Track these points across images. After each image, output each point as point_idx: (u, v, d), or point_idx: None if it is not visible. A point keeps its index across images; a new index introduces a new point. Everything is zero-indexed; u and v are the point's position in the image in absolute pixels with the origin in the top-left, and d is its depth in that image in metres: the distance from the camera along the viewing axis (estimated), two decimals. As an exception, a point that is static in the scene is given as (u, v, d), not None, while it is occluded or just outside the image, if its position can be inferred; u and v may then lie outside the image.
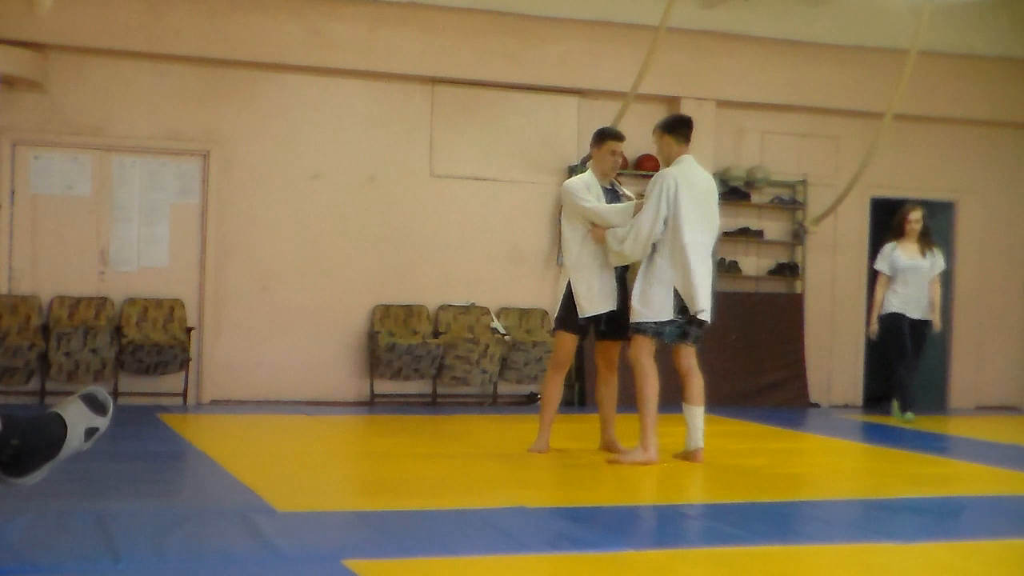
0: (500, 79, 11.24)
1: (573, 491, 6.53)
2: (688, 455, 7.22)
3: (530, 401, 11.14)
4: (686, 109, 11.71)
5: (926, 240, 10.57)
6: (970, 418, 11.73)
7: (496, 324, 10.98)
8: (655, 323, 7.11)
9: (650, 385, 7.12)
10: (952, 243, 12.67)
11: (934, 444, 9.25)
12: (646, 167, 11.61)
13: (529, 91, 11.31)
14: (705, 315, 7.13)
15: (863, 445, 9.59)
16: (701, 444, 7.25)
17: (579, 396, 11.14)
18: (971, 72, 12.28)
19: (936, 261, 10.57)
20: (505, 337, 10.87)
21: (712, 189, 7.36)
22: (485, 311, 11.18)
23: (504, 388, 11.21)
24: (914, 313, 10.45)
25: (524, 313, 11.18)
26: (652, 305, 7.10)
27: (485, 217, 11.27)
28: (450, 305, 11.18)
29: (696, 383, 7.27)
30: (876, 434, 10.18)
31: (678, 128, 7.31)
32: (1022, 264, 12.91)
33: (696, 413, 7.25)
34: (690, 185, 7.15)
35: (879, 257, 10.65)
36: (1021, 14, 12.13)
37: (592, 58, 11.30)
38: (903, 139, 12.03)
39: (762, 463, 7.66)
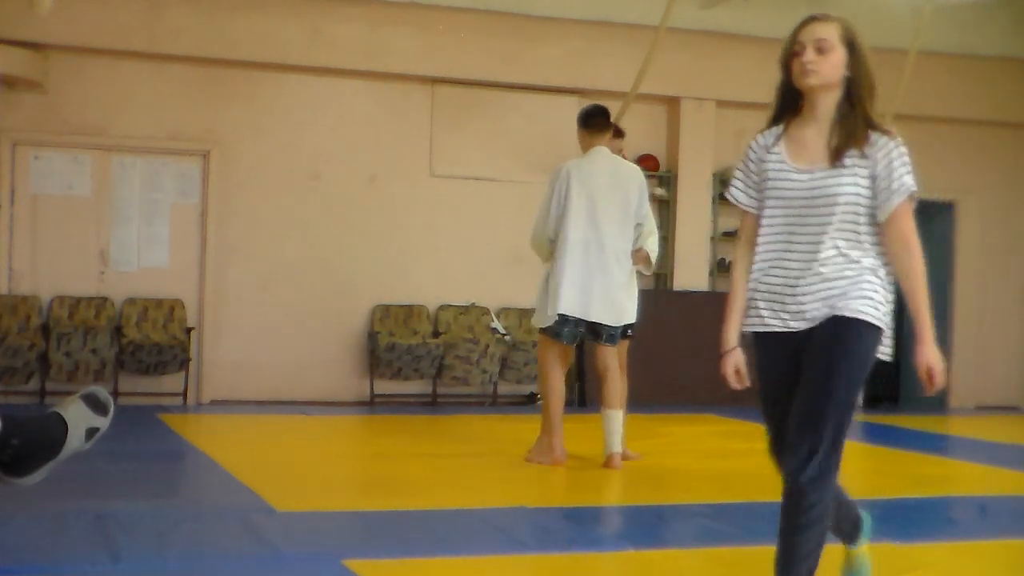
0: (500, 79, 11.24)
1: (573, 491, 6.53)
2: (606, 460, 6.93)
3: (530, 401, 11.14)
4: (686, 109, 11.72)
5: (853, 122, 3.51)
6: (970, 418, 11.73)
7: (496, 324, 10.98)
8: (551, 325, 6.92)
9: (551, 387, 6.94)
10: (952, 243, 12.66)
11: (934, 444, 9.25)
12: (647, 167, 11.60)
13: (529, 91, 11.31)
14: (582, 315, 6.81)
15: (863, 445, 9.59)
16: (617, 449, 6.92)
17: (580, 396, 11.14)
18: (971, 72, 12.27)
19: (887, 172, 3.49)
20: (505, 337, 10.87)
21: (626, 183, 6.96)
22: (485, 311, 11.18)
23: (504, 388, 11.21)
24: (788, 319, 3.53)
25: (524, 313, 11.16)
26: (544, 306, 6.97)
27: (485, 217, 11.26)
28: (450, 305, 11.18)
29: (612, 386, 6.92)
30: (876, 434, 10.18)
31: (590, 119, 7.08)
32: (1022, 264, 12.90)
33: (611, 417, 6.91)
34: (587, 179, 6.90)
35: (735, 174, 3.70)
36: (1021, 14, 12.13)
37: (592, 58, 11.29)
38: (903, 139, 12.00)
39: (761, 463, 7.64)
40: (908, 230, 3.41)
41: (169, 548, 4.48)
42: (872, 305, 3.38)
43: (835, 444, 3.38)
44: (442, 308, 11.16)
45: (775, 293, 3.46)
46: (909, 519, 5.68)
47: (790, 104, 3.53)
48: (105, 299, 10.32)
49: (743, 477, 6.94)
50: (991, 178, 12.75)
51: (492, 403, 11.12)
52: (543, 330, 7.05)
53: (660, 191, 11.73)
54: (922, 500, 6.25)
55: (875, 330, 3.38)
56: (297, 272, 10.80)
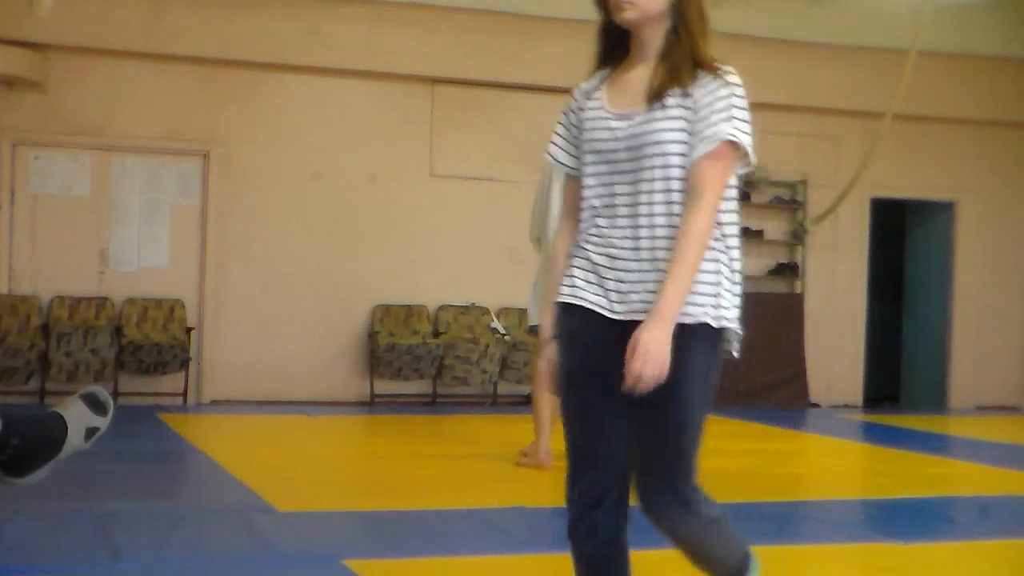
0: (500, 79, 11.24)
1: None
2: None
3: (530, 401, 11.12)
4: (686, 109, 11.71)
5: (678, 57, 2.87)
6: (970, 418, 11.73)
7: (496, 324, 10.97)
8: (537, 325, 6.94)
9: (541, 390, 6.85)
10: (952, 243, 12.66)
11: (934, 444, 9.25)
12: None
13: (529, 91, 11.30)
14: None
15: (863, 445, 9.59)
16: None
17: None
18: (971, 72, 12.28)
19: (704, 115, 2.80)
20: (505, 337, 10.87)
21: None
22: (485, 311, 11.18)
23: (504, 388, 11.21)
24: (613, 300, 2.80)
25: (524, 313, 11.16)
26: (532, 305, 6.98)
27: (485, 217, 11.26)
28: (450, 305, 11.18)
29: None
30: (876, 434, 10.18)
31: None
32: (1022, 264, 12.90)
33: None
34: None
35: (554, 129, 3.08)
36: (1021, 14, 12.12)
37: (592, 58, 11.27)
38: (903, 139, 12.03)
39: (762, 463, 7.66)
40: (705, 181, 2.73)
41: (169, 548, 4.48)
42: (713, 302, 2.76)
43: (691, 470, 2.79)
44: (442, 308, 11.16)
45: (596, 265, 2.80)
46: (909, 519, 5.68)
47: (618, 45, 2.98)
48: (105, 299, 10.32)
49: (743, 477, 6.94)
50: (991, 178, 12.75)
51: (492, 403, 11.12)
52: (533, 329, 7.05)
53: (660, 191, 11.73)
54: (922, 500, 6.25)
55: (718, 332, 2.78)
56: (297, 272, 10.80)
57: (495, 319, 11.09)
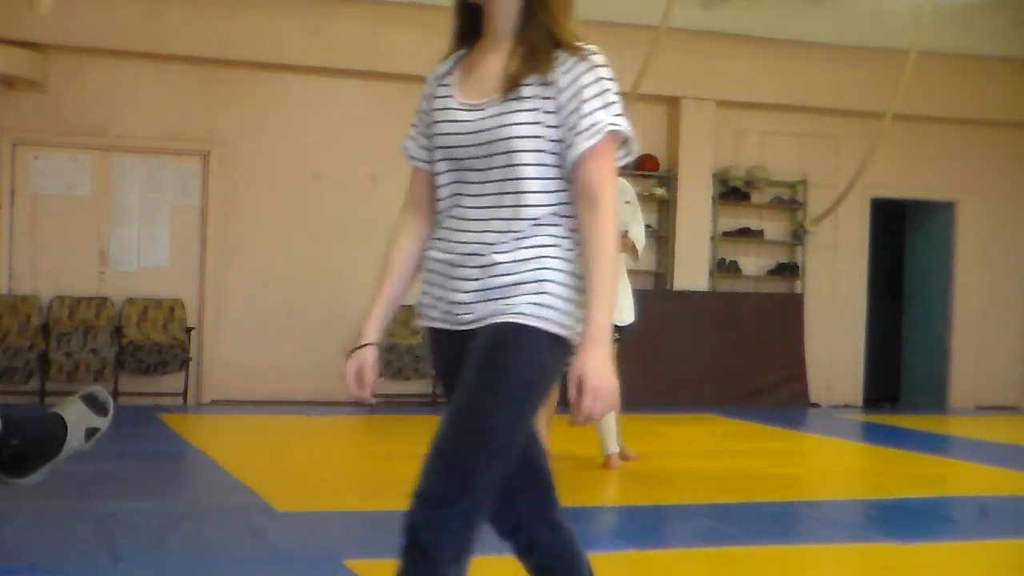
0: (500, 79, 11.24)
1: (573, 491, 6.52)
2: (604, 461, 6.95)
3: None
4: (686, 109, 11.71)
5: (534, 38, 2.58)
6: (970, 418, 11.73)
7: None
8: None
9: None
10: (952, 243, 12.67)
11: (934, 444, 9.25)
12: (647, 167, 11.60)
13: (529, 91, 11.29)
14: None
15: (863, 445, 9.60)
16: (614, 449, 6.96)
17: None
18: (971, 72, 12.28)
19: (574, 104, 2.49)
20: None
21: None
22: (485, 311, 11.16)
23: (504, 388, 11.19)
24: (458, 313, 2.59)
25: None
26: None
27: (485, 217, 11.25)
28: (450, 305, 11.17)
29: None
30: (876, 434, 10.18)
31: None
32: (1022, 264, 12.90)
33: (603, 420, 6.84)
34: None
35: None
36: (1021, 14, 12.13)
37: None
38: (903, 139, 12.03)
39: (761, 463, 7.66)
40: (598, 180, 2.42)
41: (169, 548, 4.48)
42: (550, 302, 2.42)
43: (473, 494, 2.45)
44: (442, 308, 11.15)
45: (440, 275, 2.57)
46: (909, 519, 5.69)
47: (477, 23, 2.60)
48: (105, 299, 10.32)
49: (743, 477, 6.94)
50: (991, 178, 12.75)
51: (492, 403, 11.10)
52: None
53: (660, 191, 11.73)
54: (922, 500, 6.25)
55: (553, 339, 2.42)
56: (297, 272, 10.80)
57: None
